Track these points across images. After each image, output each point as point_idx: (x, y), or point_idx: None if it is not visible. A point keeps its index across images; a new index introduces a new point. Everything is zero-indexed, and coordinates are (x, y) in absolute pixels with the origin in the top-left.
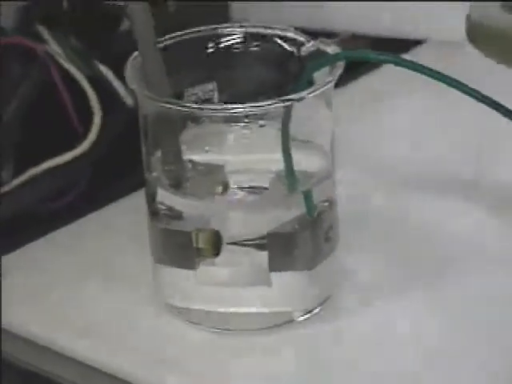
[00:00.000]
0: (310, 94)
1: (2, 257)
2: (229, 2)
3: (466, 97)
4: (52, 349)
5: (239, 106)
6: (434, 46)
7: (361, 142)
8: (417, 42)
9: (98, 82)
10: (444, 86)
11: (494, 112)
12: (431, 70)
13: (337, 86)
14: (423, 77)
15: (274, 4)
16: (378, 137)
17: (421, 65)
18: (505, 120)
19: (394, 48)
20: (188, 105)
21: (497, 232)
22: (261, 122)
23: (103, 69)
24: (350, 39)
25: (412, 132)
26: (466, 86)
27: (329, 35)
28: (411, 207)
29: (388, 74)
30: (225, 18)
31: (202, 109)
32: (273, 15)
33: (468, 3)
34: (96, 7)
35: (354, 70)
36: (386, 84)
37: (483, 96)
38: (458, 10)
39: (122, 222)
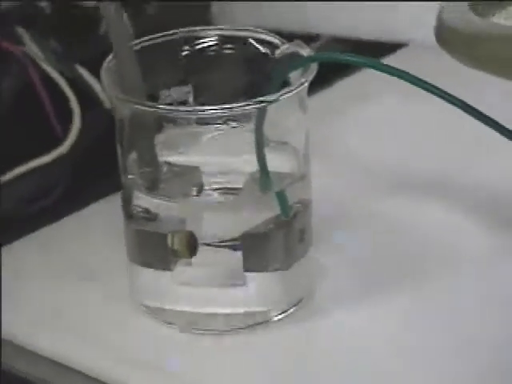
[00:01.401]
0: (283, 95)
1: None
2: (210, 3)
3: None
4: (27, 349)
5: (212, 107)
6: (415, 50)
7: (338, 144)
8: (399, 46)
9: (77, 84)
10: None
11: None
12: (401, 71)
13: (316, 89)
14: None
15: (255, 6)
16: (357, 139)
17: (393, 68)
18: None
19: (376, 51)
20: (161, 107)
21: (477, 234)
22: (235, 124)
23: (82, 70)
24: (331, 42)
25: (390, 134)
26: (441, 90)
27: (311, 38)
28: (392, 208)
29: (368, 77)
30: (205, 19)
31: (175, 111)
32: (254, 17)
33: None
34: (74, 9)
35: (335, 72)
36: (366, 86)
37: (457, 100)
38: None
39: (102, 222)
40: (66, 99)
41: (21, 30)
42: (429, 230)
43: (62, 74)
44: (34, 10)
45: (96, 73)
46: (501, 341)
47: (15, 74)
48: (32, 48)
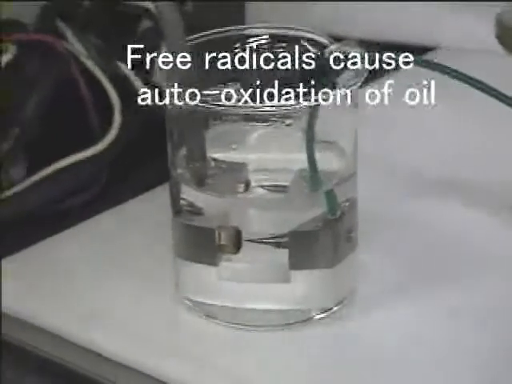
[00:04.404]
0: (336, 95)
1: (18, 253)
2: (245, 3)
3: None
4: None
5: (269, 105)
6: (442, 54)
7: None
8: (426, 49)
9: (118, 80)
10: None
11: None
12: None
13: None
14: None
15: (289, 5)
16: (391, 140)
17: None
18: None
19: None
20: (215, 103)
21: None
22: (287, 122)
23: (123, 67)
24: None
25: (425, 134)
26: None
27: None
28: (426, 207)
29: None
30: (240, 18)
31: (229, 107)
32: (287, 16)
33: (473, 11)
34: (116, 5)
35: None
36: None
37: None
38: (468, 18)
39: (139, 219)
40: (106, 95)
41: (63, 25)
42: (464, 228)
43: (103, 69)
44: (75, 6)
45: (137, 69)
46: None
47: (56, 68)
48: (74, 43)
